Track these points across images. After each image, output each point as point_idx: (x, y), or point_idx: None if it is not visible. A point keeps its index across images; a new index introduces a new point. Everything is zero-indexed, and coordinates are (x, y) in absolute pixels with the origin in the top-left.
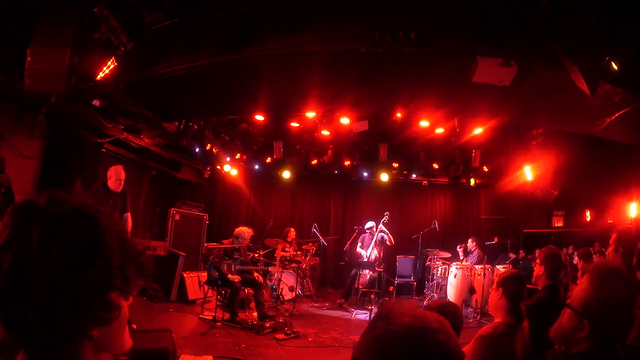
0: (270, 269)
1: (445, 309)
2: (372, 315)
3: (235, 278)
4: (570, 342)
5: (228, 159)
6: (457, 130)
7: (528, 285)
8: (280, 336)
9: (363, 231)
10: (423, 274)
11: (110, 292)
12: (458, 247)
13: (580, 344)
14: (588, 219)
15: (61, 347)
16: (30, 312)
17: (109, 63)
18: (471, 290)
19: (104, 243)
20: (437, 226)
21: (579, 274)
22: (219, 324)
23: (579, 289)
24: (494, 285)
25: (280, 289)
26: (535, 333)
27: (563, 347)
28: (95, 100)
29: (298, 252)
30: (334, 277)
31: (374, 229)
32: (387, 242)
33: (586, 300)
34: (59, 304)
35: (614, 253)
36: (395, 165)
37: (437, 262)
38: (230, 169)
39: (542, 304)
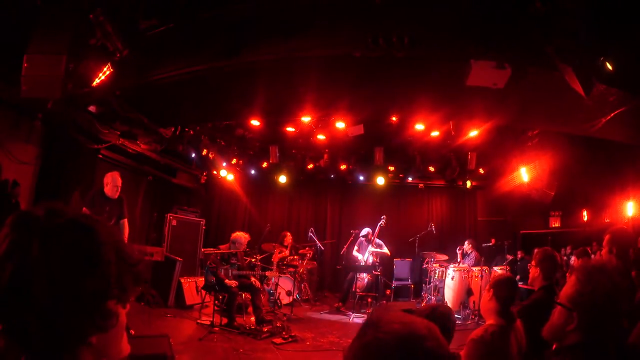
0: (267, 273)
1: (434, 312)
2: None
3: (233, 283)
4: (562, 337)
5: (224, 164)
6: (453, 133)
7: (525, 286)
8: (278, 340)
9: (359, 236)
10: (420, 277)
11: (107, 301)
12: (457, 249)
13: (571, 337)
14: (585, 218)
15: (61, 354)
16: (30, 319)
17: (105, 69)
18: (469, 292)
19: (101, 254)
20: (433, 229)
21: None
22: (217, 329)
23: (567, 286)
24: (487, 287)
25: (277, 294)
26: (531, 334)
27: (557, 344)
28: (91, 106)
29: (295, 257)
30: (331, 281)
31: (370, 236)
32: (385, 254)
33: (573, 295)
34: (58, 312)
35: (608, 254)
36: (391, 168)
37: (434, 265)
38: (226, 174)
39: (537, 305)
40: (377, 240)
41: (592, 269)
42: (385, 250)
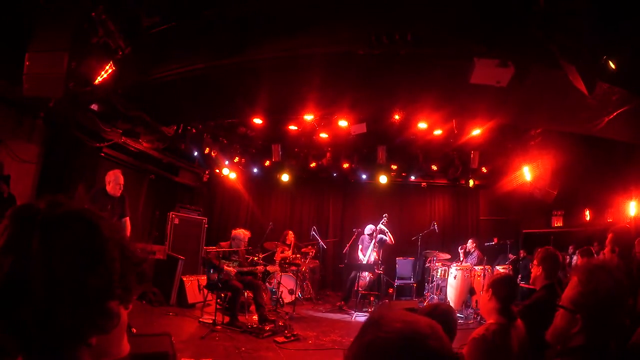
0: (269, 268)
1: (435, 311)
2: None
3: (232, 271)
4: (566, 339)
5: (227, 162)
6: (455, 131)
7: (526, 286)
8: (280, 339)
9: (362, 234)
10: (423, 276)
11: (110, 301)
12: (460, 248)
13: (575, 339)
14: (587, 218)
15: (59, 353)
16: (28, 317)
17: (107, 67)
18: (471, 292)
19: (105, 250)
20: (436, 228)
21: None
22: (219, 327)
23: (568, 288)
24: (485, 287)
25: (279, 292)
26: (533, 333)
27: (560, 346)
28: (93, 105)
29: (297, 255)
30: (333, 279)
31: (374, 234)
32: (388, 242)
33: (575, 297)
34: (57, 310)
35: (610, 253)
36: (394, 167)
37: (436, 264)
38: (229, 173)
39: (539, 304)
40: (382, 227)
41: (592, 268)
42: (389, 236)
